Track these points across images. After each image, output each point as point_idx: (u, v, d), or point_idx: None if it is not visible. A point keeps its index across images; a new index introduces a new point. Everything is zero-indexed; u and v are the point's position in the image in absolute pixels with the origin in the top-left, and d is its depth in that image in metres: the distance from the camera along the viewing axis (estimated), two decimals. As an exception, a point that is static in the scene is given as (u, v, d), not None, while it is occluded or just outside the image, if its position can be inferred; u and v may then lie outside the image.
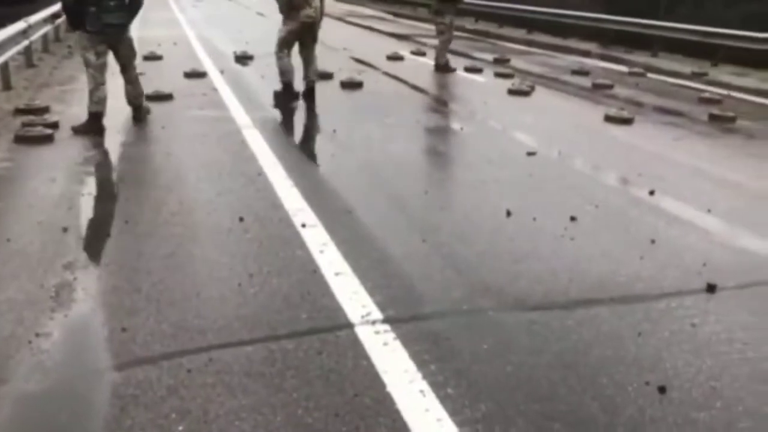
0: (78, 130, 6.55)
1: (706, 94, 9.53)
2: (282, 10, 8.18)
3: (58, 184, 5.13)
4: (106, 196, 4.88)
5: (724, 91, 9.95)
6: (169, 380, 2.71)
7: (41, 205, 4.70)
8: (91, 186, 5.12)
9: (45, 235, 4.14)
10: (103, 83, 6.70)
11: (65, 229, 4.20)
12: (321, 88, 9.38)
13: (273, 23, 19.72)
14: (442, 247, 4.11)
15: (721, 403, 2.66)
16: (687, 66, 12.27)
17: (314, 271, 3.69)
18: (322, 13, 8.31)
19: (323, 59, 11.70)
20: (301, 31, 8.17)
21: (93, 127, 6.59)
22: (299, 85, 8.42)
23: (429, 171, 5.72)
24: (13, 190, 5.06)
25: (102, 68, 6.73)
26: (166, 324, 3.13)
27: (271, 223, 4.41)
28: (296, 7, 8.00)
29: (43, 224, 4.32)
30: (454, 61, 11.49)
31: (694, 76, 11.39)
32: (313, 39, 8.39)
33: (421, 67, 11.71)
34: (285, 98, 8.25)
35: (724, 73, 11.63)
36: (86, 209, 4.65)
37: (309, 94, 8.39)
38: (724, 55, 12.43)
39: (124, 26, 6.79)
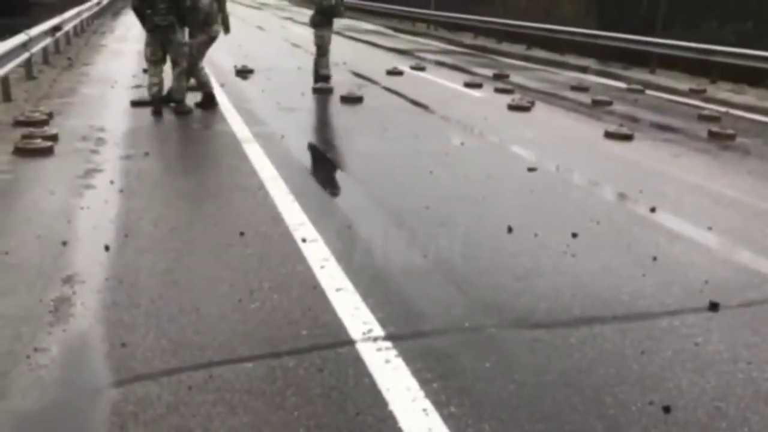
0: (135, 103, 8.32)
1: (705, 111, 9.56)
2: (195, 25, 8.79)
3: (58, 197, 5.11)
4: (105, 210, 4.85)
5: (723, 108, 9.99)
6: (169, 397, 2.68)
7: (40, 218, 4.68)
8: (90, 199, 5.10)
9: (44, 248, 4.12)
10: (156, 75, 8.08)
11: (64, 243, 4.18)
12: (322, 102, 9.40)
13: (273, 37, 19.81)
14: (443, 263, 4.09)
15: (727, 424, 2.64)
16: (685, 83, 12.33)
17: (315, 287, 3.67)
18: (226, 25, 9.02)
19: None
20: (210, 44, 8.76)
21: (154, 107, 8.11)
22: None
23: (429, 186, 5.71)
24: (12, 202, 5.04)
25: (156, 64, 8.09)
26: (165, 340, 3.10)
27: (272, 238, 4.39)
28: (209, 23, 8.58)
29: (42, 238, 4.29)
30: (455, 77, 11.49)
31: (693, 93, 11.44)
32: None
33: (421, 82, 11.75)
34: (208, 106, 8.70)
35: (722, 90, 11.69)
36: (85, 223, 4.63)
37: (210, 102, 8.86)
38: (721, 72, 12.50)
39: (170, 27, 7.94)
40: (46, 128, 7.06)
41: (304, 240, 4.30)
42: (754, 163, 7.14)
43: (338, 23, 26.02)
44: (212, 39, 8.70)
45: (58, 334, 3.15)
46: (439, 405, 2.67)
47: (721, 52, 12.31)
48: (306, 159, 6.43)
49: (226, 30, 8.99)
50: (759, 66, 11.70)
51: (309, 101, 9.48)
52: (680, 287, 3.86)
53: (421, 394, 2.74)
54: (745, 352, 3.17)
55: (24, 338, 3.08)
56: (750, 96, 11.20)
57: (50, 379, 2.81)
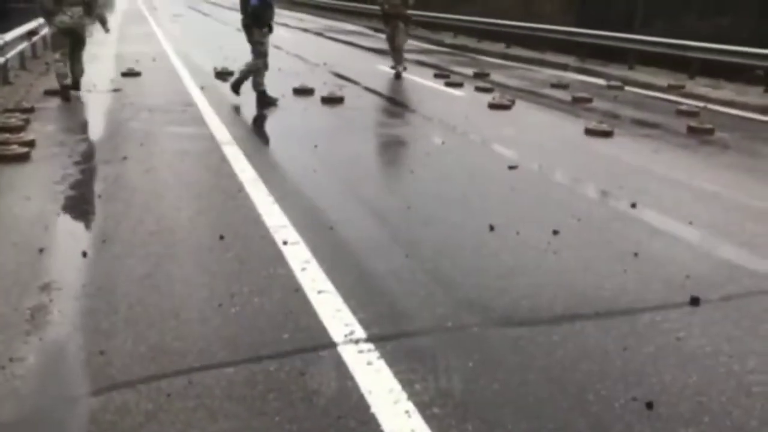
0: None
1: (684, 107, 9.63)
2: (43, 16, 9.56)
3: (34, 203, 5.04)
4: (83, 216, 4.79)
5: (701, 104, 10.06)
6: (148, 405, 2.64)
7: (16, 225, 4.61)
8: (67, 205, 5.03)
9: (20, 255, 4.05)
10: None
11: (41, 250, 4.11)
12: (302, 104, 9.35)
13: (252, 39, 19.57)
14: (425, 263, 4.08)
15: (709, 418, 2.64)
16: (663, 79, 12.40)
17: (296, 290, 3.64)
18: (103, 21, 9.97)
19: (304, 75, 11.72)
20: (61, 35, 9.15)
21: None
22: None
23: (411, 186, 5.70)
24: (-12, 210, 4.95)
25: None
26: (144, 347, 3.05)
27: (253, 240, 4.35)
28: (52, 13, 9.05)
29: (19, 245, 4.22)
30: (436, 76, 11.48)
31: (671, 89, 11.51)
32: (78, 42, 9.38)
33: (401, 82, 11.74)
34: (62, 97, 9.16)
35: (700, 86, 11.77)
36: (63, 229, 4.57)
37: (75, 87, 9.47)
38: (699, 67, 12.58)
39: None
40: (22, 134, 6.96)
41: (285, 242, 4.27)
42: (733, 157, 7.20)
43: (318, 23, 25.97)
44: (59, 30, 9.08)
45: (35, 342, 3.10)
46: (421, 406, 2.65)
47: (699, 47, 12.40)
48: (286, 161, 6.39)
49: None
50: (736, 61, 11.80)
51: (289, 102, 9.43)
52: (662, 283, 3.87)
53: (403, 395, 2.71)
54: (726, 346, 3.18)
55: (0, 347, 3.03)
56: (727, 91, 11.29)
57: (27, 389, 2.76)
